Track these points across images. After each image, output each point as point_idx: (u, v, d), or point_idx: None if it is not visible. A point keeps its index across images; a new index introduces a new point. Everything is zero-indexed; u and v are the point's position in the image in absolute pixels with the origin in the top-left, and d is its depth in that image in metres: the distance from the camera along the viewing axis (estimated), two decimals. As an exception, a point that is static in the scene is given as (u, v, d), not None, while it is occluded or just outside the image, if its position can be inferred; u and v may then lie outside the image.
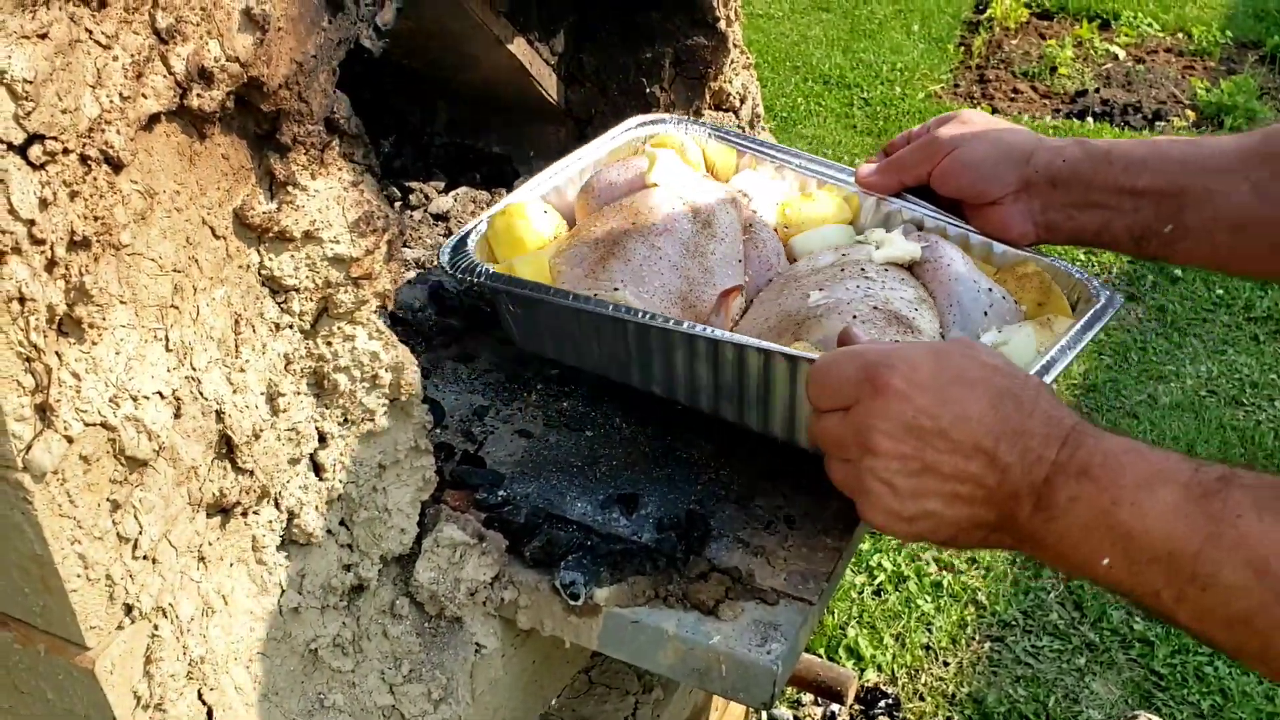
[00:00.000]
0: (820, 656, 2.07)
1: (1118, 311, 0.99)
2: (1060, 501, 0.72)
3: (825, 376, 0.80)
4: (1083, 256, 3.38)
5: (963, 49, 4.90)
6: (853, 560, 2.16)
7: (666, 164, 1.15)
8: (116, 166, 0.63)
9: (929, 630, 2.22)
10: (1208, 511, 0.66)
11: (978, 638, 2.20)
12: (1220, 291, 3.24)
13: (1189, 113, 4.26)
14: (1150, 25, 4.98)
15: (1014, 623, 2.23)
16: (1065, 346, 0.93)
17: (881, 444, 0.75)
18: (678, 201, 1.10)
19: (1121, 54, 4.71)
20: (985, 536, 0.77)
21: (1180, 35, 4.93)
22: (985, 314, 1.01)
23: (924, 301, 1.01)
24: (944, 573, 2.35)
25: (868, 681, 2.11)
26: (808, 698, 2.08)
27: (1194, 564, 0.66)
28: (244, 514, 0.78)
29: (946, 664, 2.15)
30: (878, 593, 2.31)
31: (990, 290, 1.04)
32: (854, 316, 0.96)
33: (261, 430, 0.76)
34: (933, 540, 0.79)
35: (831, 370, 0.80)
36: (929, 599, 2.28)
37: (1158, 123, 4.21)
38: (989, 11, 5.08)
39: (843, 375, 0.78)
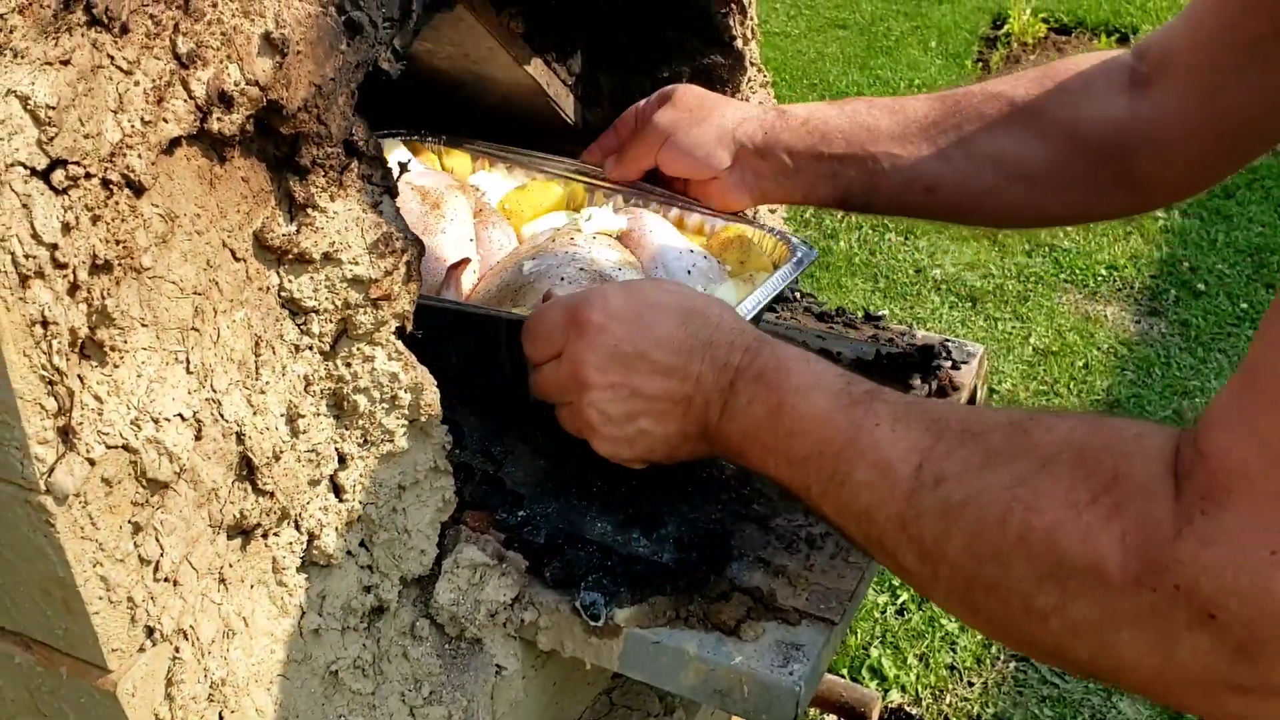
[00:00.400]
0: (843, 677, 2.05)
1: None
2: (741, 404, 0.80)
3: (535, 329, 0.88)
4: (1104, 272, 3.36)
5: (980, 65, 4.90)
6: (875, 579, 2.14)
7: (397, 156, 1.26)
8: (138, 190, 0.63)
9: (953, 650, 2.20)
10: (851, 418, 0.73)
11: (1003, 658, 2.18)
12: (1245, 306, 3.21)
13: (1210, 126, 4.23)
14: (1169, 39, 4.96)
15: (1039, 642, 2.20)
16: (762, 292, 1.05)
17: (592, 377, 0.83)
18: (405, 187, 1.16)
19: (1140, 68, 4.69)
20: (693, 448, 0.86)
21: (1199, 49, 4.91)
22: (689, 273, 1.11)
23: (629, 263, 1.10)
24: (968, 591, 2.33)
25: (891, 702, 2.09)
26: (831, 719, 2.07)
27: (835, 462, 0.73)
28: (264, 536, 0.78)
29: (971, 684, 2.13)
30: (901, 612, 2.29)
31: (692, 251, 1.14)
32: (562, 279, 1.05)
33: (282, 452, 0.76)
34: (654, 458, 0.87)
35: (540, 322, 0.88)
36: (953, 618, 2.26)
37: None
38: (1006, 27, 5.08)
39: (550, 323, 0.87)
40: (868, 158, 1.06)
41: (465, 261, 1.13)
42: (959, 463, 0.67)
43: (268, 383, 0.75)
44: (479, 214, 1.21)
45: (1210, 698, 0.58)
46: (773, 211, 1.49)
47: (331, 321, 0.78)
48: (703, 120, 1.13)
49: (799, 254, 1.12)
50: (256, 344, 0.74)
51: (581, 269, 1.07)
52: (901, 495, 0.69)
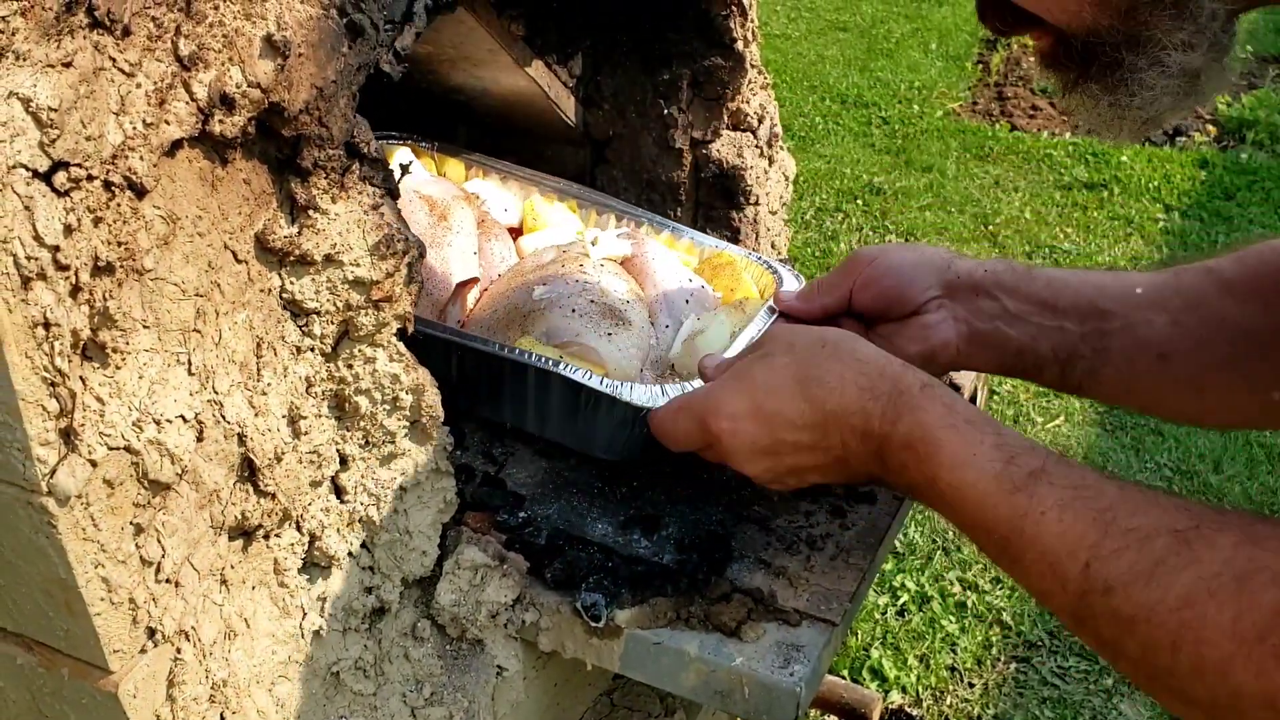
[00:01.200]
0: (844, 678, 2.05)
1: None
2: (894, 466, 0.80)
3: (669, 434, 0.91)
4: (1104, 273, 3.36)
5: (981, 66, 4.90)
6: (875, 581, 2.14)
7: (401, 157, 1.27)
8: (140, 192, 0.64)
9: (954, 651, 2.20)
10: (1014, 506, 0.72)
11: (1003, 659, 2.18)
12: (1245, 307, 3.20)
13: (1210, 128, 4.24)
14: (1169, 41, 4.96)
15: (1040, 643, 2.20)
16: (755, 321, 1.08)
17: (746, 469, 0.87)
18: (413, 195, 1.17)
19: (1141, 70, 4.69)
20: (872, 480, 0.88)
21: (1200, 51, 4.91)
22: (687, 302, 1.14)
23: (636, 296, 1.13)
24: (968, 593, 2.33)
25: (892, 703, 2.09)
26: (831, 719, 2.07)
27: (1003, 545, 0.73)
28: (266, 537, 0.78)
29: (972, 685, 2.13)
30: (901, 613, 2.29)
31: (691, 280, 1.18)
32: (574, 310, 1.07)
33: (283, 453, 0.76)
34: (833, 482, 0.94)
35: (670, 428, 0.91)
36: (953, 619, 2.26)
37: (1178, 138, 4.19)
38: (1006, 29, 5.07)
39: (684, 431, 0.89)
40: (1097, 314, 0.95)
41: (473, 281, 1.14)
42: (1126, 570, 0.66)
43: (269, 384, 0.75)
44: (481, 224, 1.22)
45: None
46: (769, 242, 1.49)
47: (333, 323, 0.78)
48: (912, 249, 1.03)
49: (786, 280, 1.15)
50: (258, 345, 0.74)
51: (592, 301, 1.08)
52: (1073, 593, 0.69)
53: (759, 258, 1.21)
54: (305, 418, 0.78)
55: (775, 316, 1.08)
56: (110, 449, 0.65)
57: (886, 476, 0.82)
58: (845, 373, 0.82)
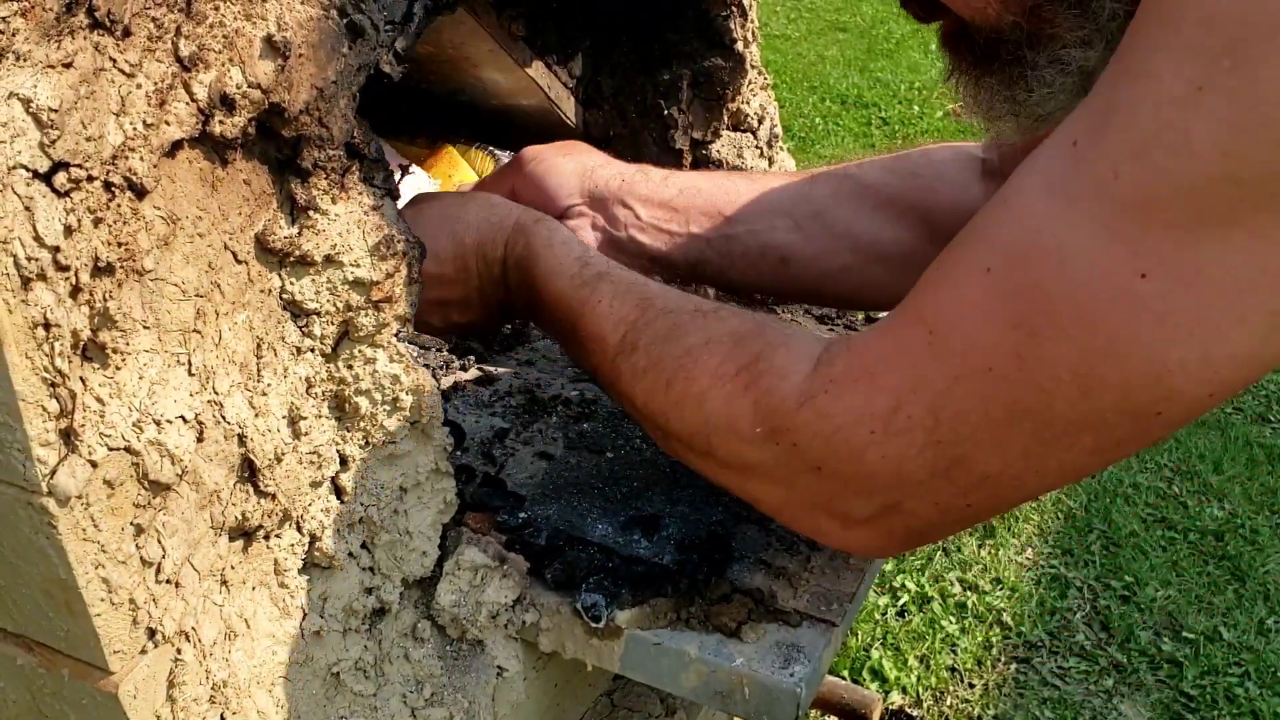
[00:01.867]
0: (844, 679, 2.05)
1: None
2: (513, 286, 0.95)
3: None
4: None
5: (980, 67, 4.89)
6: (876, 581, 2.14)
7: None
8: (140, 193, 0.64)
9: (954, 652, 2.20)
10: (580, 297, 0.88)
11: (1003, 659, 2.18)
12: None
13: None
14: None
15: (1040, 644, 2.20)
16: None
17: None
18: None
19: (1141, 70, 4.69)
20: (504, 319, 1.03)
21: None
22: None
23: None
24: (969, 593, 2.33)
25: (892, 704, 2.09)
26: (832, 720, 2.06)
27: (572, 330, 0.89)
28: (266, 537, 0.78)
29: (972, 686, 2.13)
30: (901, 614, 2.29)
31: (407, 169, 1.29)
32: None
33: (283, 453, 0.76)
34: (475, 329, 1.03)
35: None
36: (953, 620, 2.26)
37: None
38: (1006, 30, 5.08)
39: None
40: (724, 221, 1.05)
41: None
42: (650, 335, 0.82)
43: (269, 385, 0.75)
44: None
45: (814, 522, 0.79)
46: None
47: (333, 324, 0.78)
48: (568, 154, 1.12)
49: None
50: (258, 346, 0.74)
51: None
52: (610, 357, 0.85)
53: (485, 147, 1.27)
54: (305, 418, 0.78)
55: None
56: (110, 449, 0.65)
57: (509, 299, 0.96)
58: (479, 213, 0.96)
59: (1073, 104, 0.75)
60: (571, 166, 1.11)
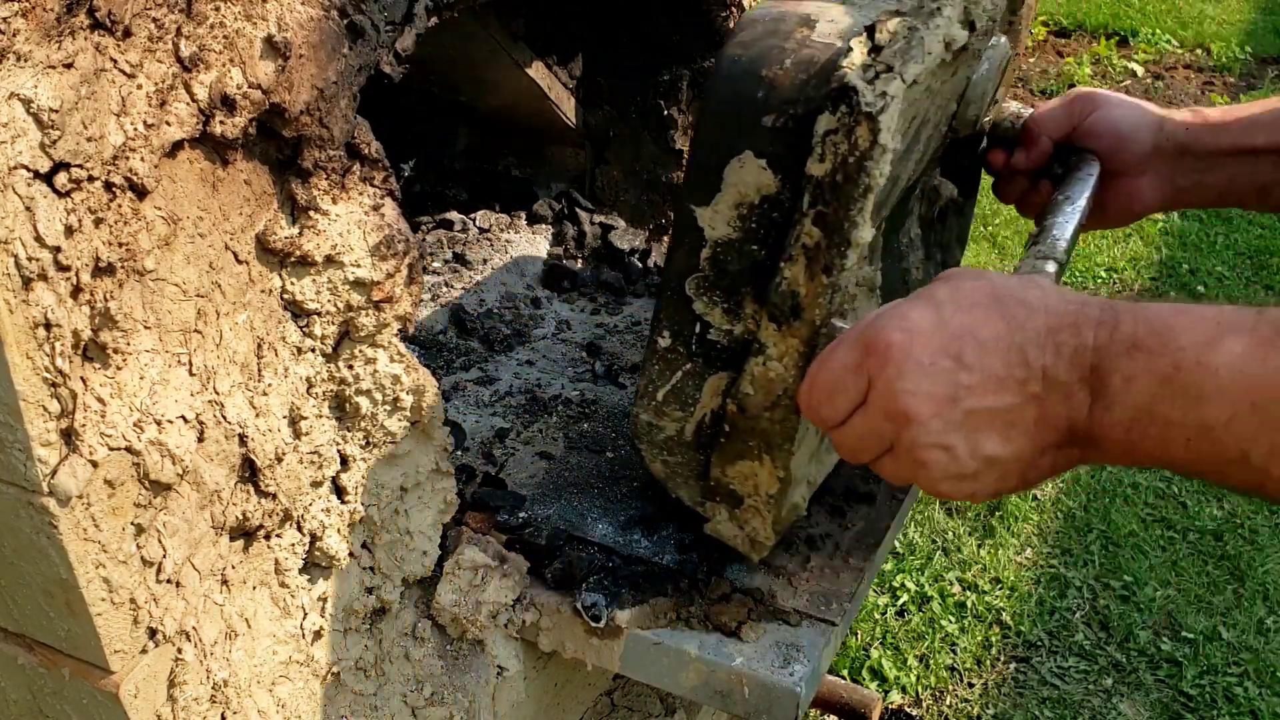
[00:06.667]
0: (844, 678, 2.05)
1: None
2: (1116, 384, 0.65)
3: (822, 381, 0.72)
4: (1104, 274, 3.37)
5: (980, 67, 4.89)
6: (875, 581, 2.14)
7: None
8: (140, 193, 0.64)
9: (953, 651, 2.20)
10: None
11: (1003, 659, 2.18)
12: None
13: (1209, 128, 4.24)
14: (1169, 42, 4.97)
15: (1040, 643, 2.20)
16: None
17: (913, 406, 0.68)
18: None
19: (1140, 71, 4.70)
20: (1055, 460, 0.70)
21: (1199, 51, 4.92)
22: None
23: None
24: (968, 593, 2.33)
25: (892, 703, 2.09)
26: (831, 720, 2.07)
27: (1276, 403, 0.60)
28: (267, 537, 0.78)
29: (971, 685, 2.13)
30: (901, 613, 2.29)
31: None
32: None
33: (284, 453, 0.77)
34: (1009, 488, 0.71)
35: (825, 372, 0.72)
36: (953, 619, 2.26)
37: (1178, 139, 4.18)
38: (1006, 30, 5.08)
39: (840, 367, 0.71)
40: None
41: None
42: None
43: (270, 385, 0.75)
44: None
45: None
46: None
47: (334, 324, 0.78)
48: (1131, 105, 1.05)
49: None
50: (259, 346, 0.74)
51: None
52: None
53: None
54: (306, 418, 0.78)
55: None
56: (111, 449, 0.65)
57: (1089, 416, 0.67)
58: (1048, 295, 0.69)
59: None
60: (1139, 120, 1.04)
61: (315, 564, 0.82)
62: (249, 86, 0.67)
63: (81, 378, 0.63)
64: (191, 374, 0.69)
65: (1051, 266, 0.85)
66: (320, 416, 0.79)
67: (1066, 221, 0.91)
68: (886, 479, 0.74)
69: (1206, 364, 0.62)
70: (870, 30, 0.74)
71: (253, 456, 0.74)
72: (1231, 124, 1.02)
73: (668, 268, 0.84)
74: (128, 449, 0.66)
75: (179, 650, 0.73)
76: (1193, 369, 0.63)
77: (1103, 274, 3.42)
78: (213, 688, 0.75)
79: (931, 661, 2.18)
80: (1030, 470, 0.70)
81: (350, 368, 0.80)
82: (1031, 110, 1.08)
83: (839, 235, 0.73)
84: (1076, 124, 1.05)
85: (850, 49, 0.72)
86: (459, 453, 1.02)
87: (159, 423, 0.67)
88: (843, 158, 0.71)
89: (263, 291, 0.74)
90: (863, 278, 0.81)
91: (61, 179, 0.59)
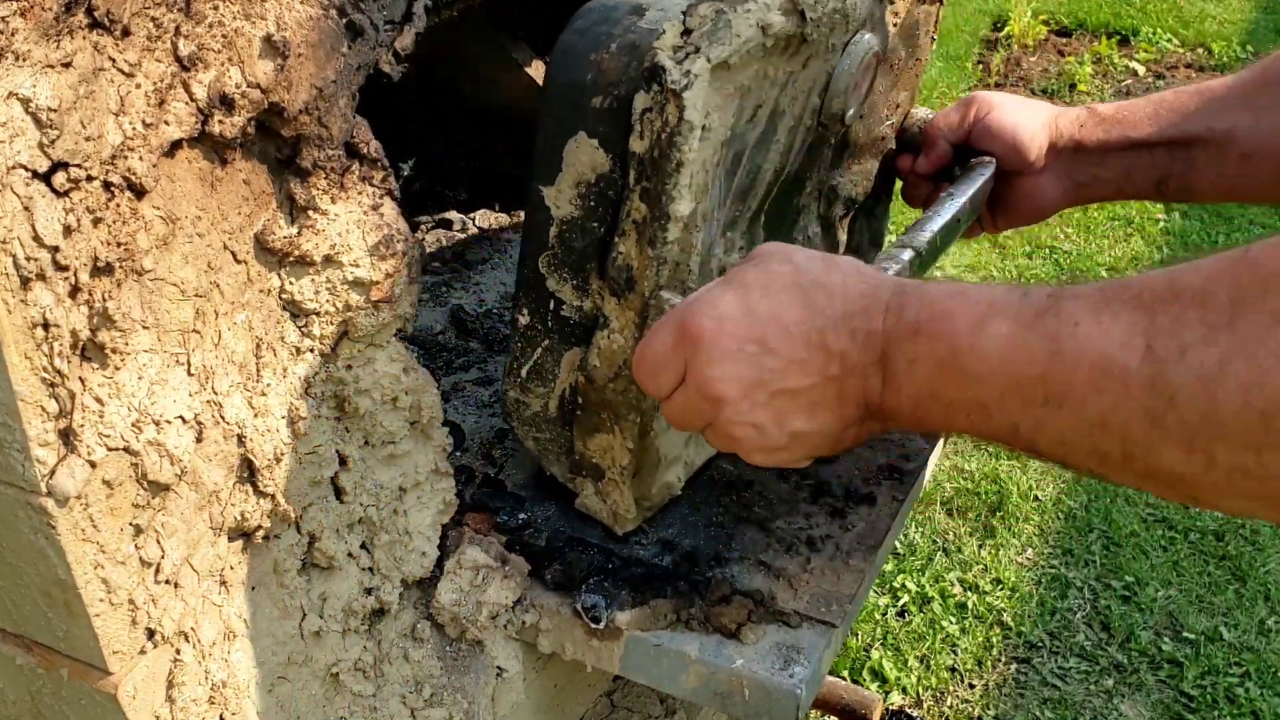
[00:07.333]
0: (844, 679, 2.05)
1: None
2: (901, 367, 0.71)
3: (646, 360, 0.77)
4: (1105, 274, 3.36)
5: (981, 67, 4.90)
6: (876, 581, 2.14)
7: None
8: (139, 193, 0.63)
9: (954, 652, 2.20)
10: (1043, 330, 0.64)
11: (1004, 659, 2.18)
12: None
13: (1211, 128, 4.23)
14: (1169, 41, 4.97)
15: (1040, 644, 2.20)
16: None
17: (723, 390, 0.74)
18: None
19: (1141, 70, 4.70)
20: (858, 432, 0.76)
21: (1200, 50, 4.92)
22: None
23: None
24: (969, 594, 2.33)
25: (893, 704, 2.09)
26: (832, 721, 2.06)
27: (1043, 386, 0.64)
28: (265, 538, 0.78)
29: (972, 686, 2.13)
30: (901, 614, 2.29)
31: None
32: None
33: (282, 454, 0.76)
34: (820, 454, 0.78)
35: (649, 352, 0.77)
36: (954, 620, 2.26)
37: (1179, 139, 4.18)
38: (1007, 29, 5.08)
39: (660, 349, 0.76)
40: (1186, 139, 1.04)
41: None
42: (1197, 324, 0.58)
43: (269, 385, 0.75)
44: None
45: None
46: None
47: (332, 323, 0.78)
48: (1025, 106, 1.10)
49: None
50: (257, 346, 0.74)
51: None
52: (1140, 387, 0.59)
53: None
54: (305, 418, 0.77)
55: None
56: (109, 450, 0.65)
57: (882, 395, 0.73)
58: (847, 280, 0.74)
59: None
60: (1033, 118, 1.08)
61: (314, 564, 0.82)
62: (248, 86, 0.67)
63: (80, 378, 0.63)
64: (190, 374, 0.69)
65: (908, 254, 0.90)
66: (319, 417, 0.79)
67: (940, 215, 0.97)
68: (715, 447, 0.80)
69: (977, 347, 0.66)
70: (685, 14, 0.78)
71: (251, 457, 0.74)
72: (1122, 120, 1.07)
73: (524, 248, 0.89)
74: (126, 449, 0.66)
75: (177, 651, 0.73)
76: (966, 352, 0.67)
77: (1104, 274, 3.42)
78: (211, 689, 0.75)
79: (932, 662, 2.18)
80: (837, 441, 0.76)
81: (349, 368, 0.80)
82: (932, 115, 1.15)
83: (659, 209, 0.78)
84: (971, 127, 1.11)
85: (664, 31, 0.77)
86: (459, 453, 1.02)
87: (157, 423, 0.67)
88: (658, 134, 0.76)
89: (261, 291, 0.74)
90: (703, 254, 0.85)
91: (60, 178, 0.59)
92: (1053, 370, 0.63)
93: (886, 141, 1.15)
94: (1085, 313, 0.63)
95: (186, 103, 0.65)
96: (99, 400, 0.64)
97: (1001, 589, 2.33)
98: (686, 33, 0.76)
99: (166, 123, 0.64)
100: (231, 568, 0.76)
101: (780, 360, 0.73)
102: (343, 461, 0.82)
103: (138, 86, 0.62)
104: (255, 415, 0.74)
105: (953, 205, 0.99)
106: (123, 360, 0.65)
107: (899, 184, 1.20)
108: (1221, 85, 1.04)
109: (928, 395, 0.70)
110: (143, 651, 0.71)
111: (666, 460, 0.94)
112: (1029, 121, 1.08)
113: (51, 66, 0.58)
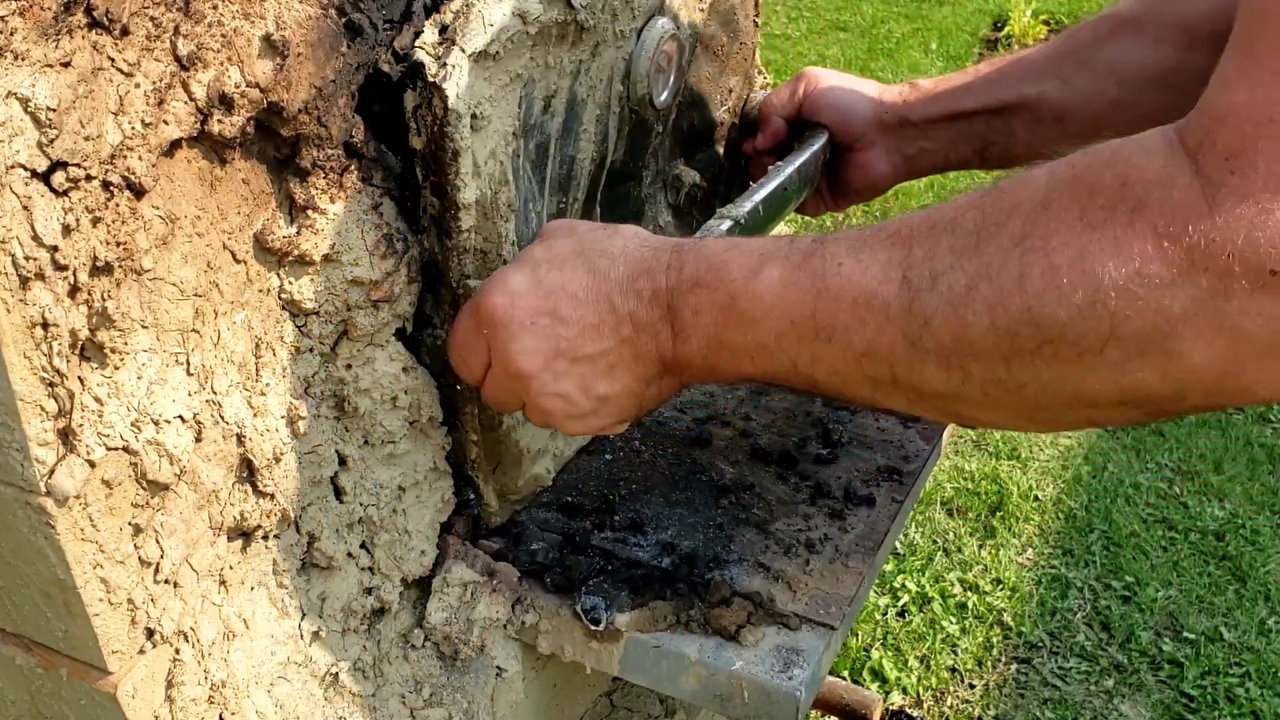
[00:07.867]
0: (844, 679, 2.05)
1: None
2: (687, 319, 0.74)
3: (454, 346, 0.80)
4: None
5: (982, 67, 4.90)
6: (876, 582, 2.14)
7: None
8: (138, 192, 0.63)
9: (954, 652, 2.20)
10: (810, 271, 0.69)
11: (1004, 659, 2.18)
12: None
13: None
14: (1171, 41, 4.97)
15: (1041, 644, 2.20)
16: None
17: (525, 364, 0.76)
18: None
19: (1142, 70, 4.69)
20: (660, 389, 0.79)
21: (1201, 51, 4.91)
22: None
23: None
24: (969, 594, 2.33)
25: (893, 705, 2.09)
26: (832, 721, 2.06)
27: (813, 321, 0.68)
28: (265, 537, 0.78)
29: (972, 686, 2.13)
30: (902, 614, 2.29)
31: None
32: None
33: (282, 453, 0.76)
34: (628, 416, 0.80)
35: (455, 338, 0.80)
36: (954, 620, 2.26)
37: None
38: (1007, 29, 5.09)
39: (463, 333, 0.79)
40: (1001, 107, 1.08)
41: None
42: (947, 253, 0.63)
43: (268, 384, 0.75)
44: None
45: None
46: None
47: (332, 323, 0.78)
48: (852, 80, 1.15)
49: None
50: (257, 346, 0.74)
51: None
52: (899, 314, 0.64)
53: None
54: (304, 418, 0.77)
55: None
56: (109, 449, 0.65)
57: (675, 349, 0.75)
58: (628, 244, 0.77)
59: None
60: (858, 97, 1.13)
61: (313, 564, 0.82)
62: (247, 85, 0.67)
63: (79, 377, 0.63)
64: (189, 374, 0.69)
65: (725, 225, 0.92)
66: (318, 416, 0.79)
67: (765, 185, 1.01)
68: (538, 426, 0.82)
69: (753, 291, 0.71)
70: (438, 12, 0.80)
71: (250, 456, 0.74)
72: (943, 93, 1.11)
73: None
74: (125, 449, 0.66)
75: (177, 651, 0.73)
76: (743, 297, 0.71)
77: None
78: (210, 688, 0.75)
79: (932, 662, 2.18)
80: (641, 399, 0.79)
81: (349, 367, 0.80)
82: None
83: (448, 200, 0.80)
84: (802, 101, 1.16)
85: (424, 31, 0.79)
86: (458, 453, 1.02)
87: (156, 422, 0.67)
88: (430, 128, 0.78)
89: (261, 291, 0.74)
90: (510, 244, 0.87)
91: (59, 178, 0.59)
92: (821, 307, 0.68)
93: (727, 127, 1.19)
94: (846, 253, 0.68)
95: (186, 102, 0.65)
96: (98, 400, 0.64)
97: (1001, 589, 2.33)
98: (443, 29, 0.78)
99: (166, 122, 0.64)
100: (231, 567, 0.76)
101: (573, 328, 0.75)
102: (342, 461, 0.82)
103: (137, 86, 0.62)
104: (254, 415, 0.74)
105: (778, 175, 1.04)
106: (122, 360, 0.65)
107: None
108: (1033, 53, 1.09)
109: (714, 343, 0.74)
110: (142, 651, 0.71)
111: (530, 453, 0.95)
112: (853, 96, 1.13)
113: (50, 66, 0.58)
